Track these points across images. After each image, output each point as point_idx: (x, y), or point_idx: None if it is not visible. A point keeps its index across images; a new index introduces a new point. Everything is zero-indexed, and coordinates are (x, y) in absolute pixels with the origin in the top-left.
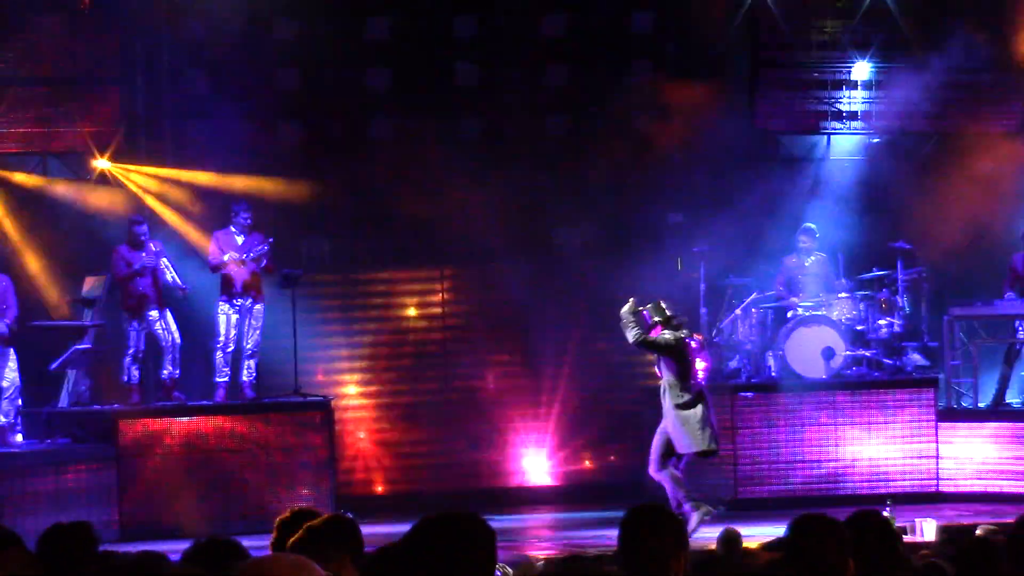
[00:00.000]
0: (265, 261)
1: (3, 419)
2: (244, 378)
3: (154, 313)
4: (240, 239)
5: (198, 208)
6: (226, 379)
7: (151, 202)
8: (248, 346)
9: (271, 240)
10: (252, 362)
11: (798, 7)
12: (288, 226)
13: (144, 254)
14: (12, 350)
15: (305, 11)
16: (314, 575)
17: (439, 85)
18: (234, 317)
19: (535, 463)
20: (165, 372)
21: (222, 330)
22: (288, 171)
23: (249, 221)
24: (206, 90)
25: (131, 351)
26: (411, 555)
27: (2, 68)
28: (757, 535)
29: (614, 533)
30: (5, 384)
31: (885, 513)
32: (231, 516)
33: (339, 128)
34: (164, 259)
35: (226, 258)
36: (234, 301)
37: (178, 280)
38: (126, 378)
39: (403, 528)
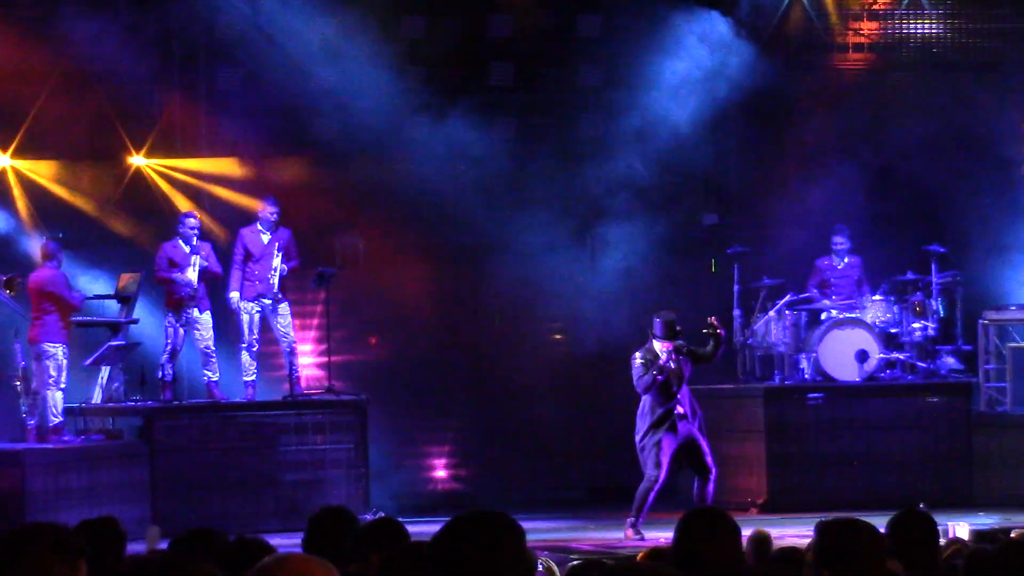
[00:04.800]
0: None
1: (57, 419)
2: (288, 376)
3: (195, 312)
4: (266, 236)
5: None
6: (253, 378)
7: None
8: (284, 347)
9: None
10: (292, 359)
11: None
12: None
13: (190, 249)
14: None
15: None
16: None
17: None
18: (256, 317)
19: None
20: (206, 376)
21: (245, 330)
22: None
23: (276, 217)
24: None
25: (168, 348)
26: (441, 554)
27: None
28: (788, 536)
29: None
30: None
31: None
32: (263, 514)
33: None
34: (199, 256)
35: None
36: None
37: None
38: (161, 374)
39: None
